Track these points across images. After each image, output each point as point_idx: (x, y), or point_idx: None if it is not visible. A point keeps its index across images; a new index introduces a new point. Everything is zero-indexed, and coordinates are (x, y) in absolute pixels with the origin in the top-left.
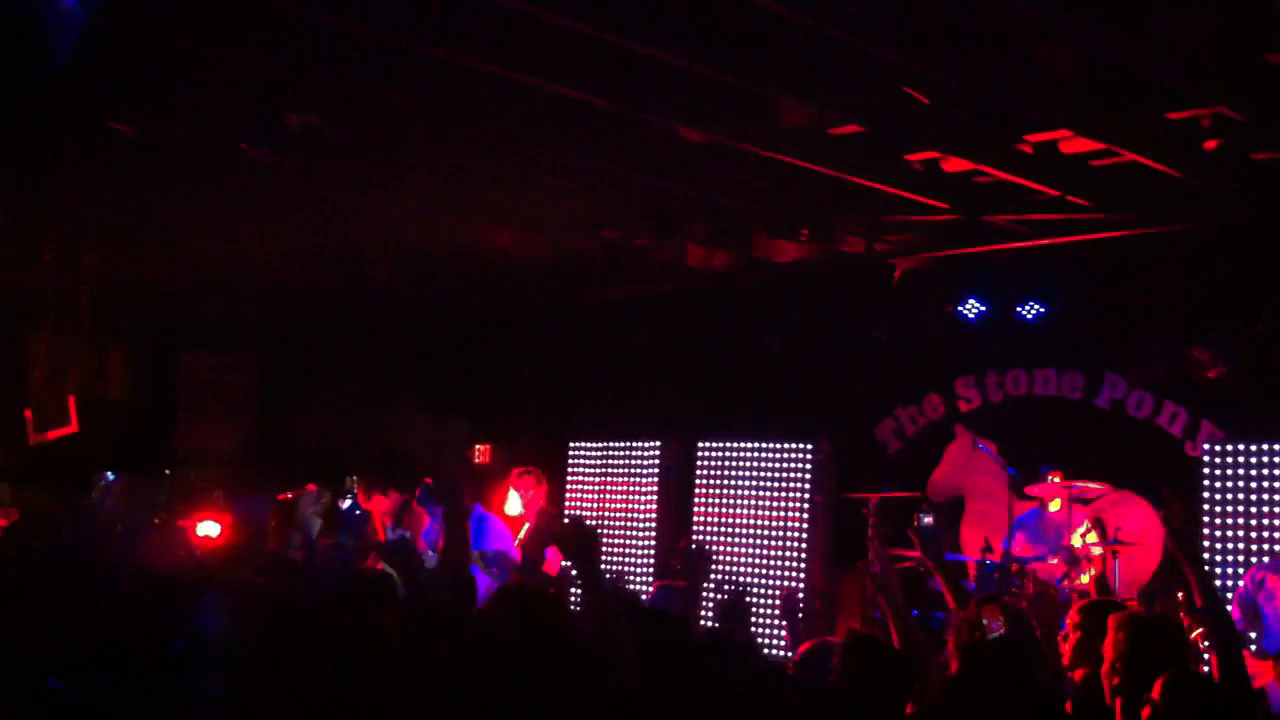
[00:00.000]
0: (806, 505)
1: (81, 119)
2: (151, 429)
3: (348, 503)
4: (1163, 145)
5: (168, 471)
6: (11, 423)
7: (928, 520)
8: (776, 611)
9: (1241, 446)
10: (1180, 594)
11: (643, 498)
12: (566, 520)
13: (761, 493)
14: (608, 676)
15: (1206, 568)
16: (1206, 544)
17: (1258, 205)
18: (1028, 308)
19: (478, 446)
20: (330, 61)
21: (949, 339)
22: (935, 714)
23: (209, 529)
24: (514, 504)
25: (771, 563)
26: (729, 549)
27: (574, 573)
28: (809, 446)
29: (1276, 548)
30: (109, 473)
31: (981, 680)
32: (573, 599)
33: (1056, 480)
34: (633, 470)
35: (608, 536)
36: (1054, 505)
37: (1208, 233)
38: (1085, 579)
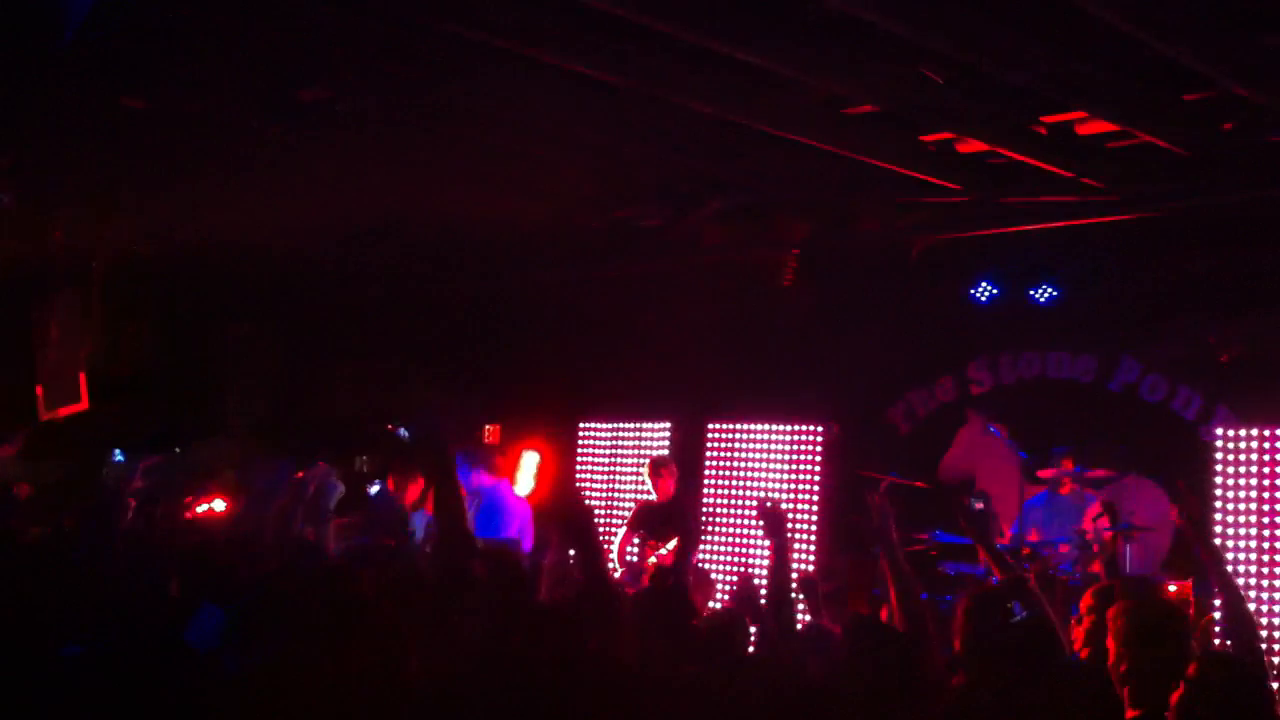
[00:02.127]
0: (817, 488)
1: (93, 92)
2: (176, 402)
3: (376, 488)
4: (1178, 127)
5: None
6: (21, 399)
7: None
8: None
9: (1255, 431)
10: (1191, 579)
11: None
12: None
13: (772, 475)
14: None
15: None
16: (1219, 529)
17: (1272, 187)
18: (1041, 290)
19: (486, 426)
20: (341, 35)
21: (961, 321)
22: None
23: (213, 505)
24: (524, 483)
25: None
26: (739, 531)
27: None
28: (819, 429)
29: None
30: (117, 450)
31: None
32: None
33: (1068, 464)
34: (643, 452)
35: (618, 518)
36: (1065, 489)
37: (1222, 215)
38: (1096, 563)
